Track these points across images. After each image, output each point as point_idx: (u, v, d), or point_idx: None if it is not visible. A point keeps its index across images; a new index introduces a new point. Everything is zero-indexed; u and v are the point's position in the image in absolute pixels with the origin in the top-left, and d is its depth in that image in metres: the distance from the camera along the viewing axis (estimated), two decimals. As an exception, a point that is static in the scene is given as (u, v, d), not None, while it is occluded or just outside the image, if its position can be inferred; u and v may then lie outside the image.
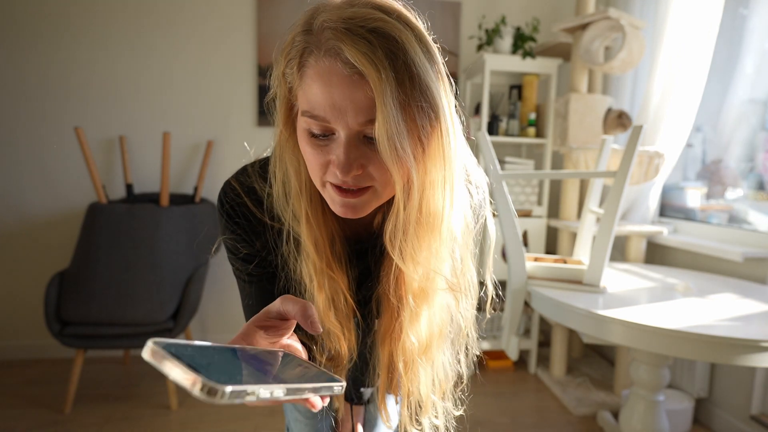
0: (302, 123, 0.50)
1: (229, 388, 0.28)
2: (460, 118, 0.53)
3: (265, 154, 0.65)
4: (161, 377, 2.07)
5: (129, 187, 2.18)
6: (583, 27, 1.98)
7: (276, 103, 0.54)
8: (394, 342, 0.62)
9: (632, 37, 1.82)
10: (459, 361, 0.67)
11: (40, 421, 1.73)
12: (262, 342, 0.42)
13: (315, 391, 0.37)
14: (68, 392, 1.79)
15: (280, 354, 0.41)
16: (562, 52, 2.25)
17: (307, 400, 0.39)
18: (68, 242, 2.21)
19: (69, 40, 2.17)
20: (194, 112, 2.31)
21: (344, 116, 0.46)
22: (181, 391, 1.98)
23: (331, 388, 0.39)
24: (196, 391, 0.28)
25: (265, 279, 0.64)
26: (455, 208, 0.53)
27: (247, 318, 0.66)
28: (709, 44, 1.71)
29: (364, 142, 0.48)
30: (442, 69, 0.50)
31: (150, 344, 0.30)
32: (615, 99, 2.19)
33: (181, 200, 2.19)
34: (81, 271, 1.77)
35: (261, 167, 0.63)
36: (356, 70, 0.44)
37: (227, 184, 0.62)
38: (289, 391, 0.34)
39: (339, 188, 0.50)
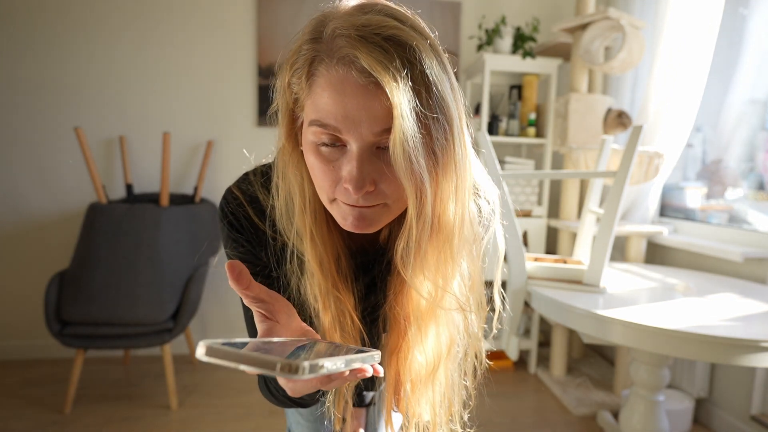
0: (309, 135, 0.48)
1: (306, 363, 0.30)
2: (470, 130, 0.52)
3: (265, 160, 0.63)
4: (161, 377, 2.07)
5: (129, 187, 2.18)
6: (583, 27, 1.98)
7: (278, 116, 0.52)
8: (401, 361, 0.60)
9: (632, 37, 1.82)
10: (466, 382, 0.65)
11: (40, 421, 1.73)
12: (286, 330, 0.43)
13: (363, 361, 0.39)
14: (68, 392, 1.79)
15: (308, 341, 0.43)
16: (562, 52, 2.25)
17: (361, 369, 0.41)
18: (68, 242, 2.21)
19: (69, 40, 2.17)
20: (194, 112, 2.31)
21: (358, 127, 0.44)
22: (181, 391, 1.98)
23: (372, 356, 0.40)
24: (278, 370, 0.29)
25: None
26: (465, 223, 0.51)
27: (249, 329, 0.64)
28: (709, 44, 1.71)
29: (376, 155, 0.46)
30: (454, 81, 0.49)
31: (203, 344, 0.31)
32: (615, 99, 2.19)
33: (181, 200, 2.19)
34: (81, 271, 1.76)
35: (263, 175, 0.61)
36: (372, 80, 0.43)
37: (228, 192, 0.60)
38: (346, 362, 0.36)
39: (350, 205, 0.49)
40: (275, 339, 0.40)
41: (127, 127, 2.26)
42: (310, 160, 0.49)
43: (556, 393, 2.02)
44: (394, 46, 0.43)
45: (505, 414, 1.86)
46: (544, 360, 2.33)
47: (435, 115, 0.45)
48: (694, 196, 2.00)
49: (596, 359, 2.37)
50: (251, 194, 0.59)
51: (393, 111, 0.42)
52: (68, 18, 2.17)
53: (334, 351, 0.39)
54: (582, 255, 1.62)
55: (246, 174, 0.62)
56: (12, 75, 2.16)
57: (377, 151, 0.46)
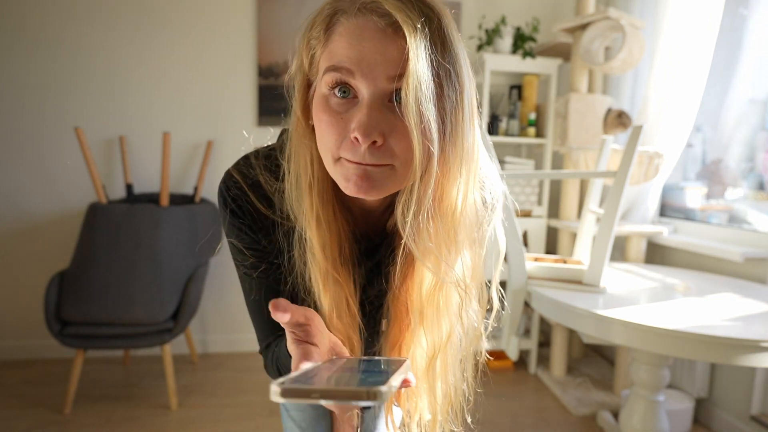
0: (322, 87, 0.47)
1: (384, 388, 0.31)
2: (479, 120, 0.52)
3: (267, 143, 0.62)
4: (161, 377, 2.07)
5: (129, 187, 2.18)
6: (583, 27, 1.98)
7: (294, 87, 0.52)
8: (403, 354, 0.60)
9: (632, 37, 1.82)
10: (466, 376, 0.64)
11: (40, 421, 1.73)
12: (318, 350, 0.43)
13: (402, 372, 0.40)
14: (68, 392, 1.79)
15: (341, 359, 0.44)
16: (562, 52, 2.25)
17: (407, 380, 0.42)
18: (68, 242, 2.21)
19: (69, 39, 2.17)
20: (194, 112, 2.31)
21: (372, 71, 0.44)
22: (181, 391, 1.98)
23: (408, 365, 0.42)
24: (363, 399, 0.31)
25: (272, 275, 0.61)
26: (469, 204, 0.51)
27: (252, 312, 0.63)
28: (709, 44, 1.71)
29: (388, 108, 0.45)
30: (467, 57, 0.49)
31: (276, 386, 0.32)
32: (615, 99, 2.19)
33: (181, 200, 2.19)
34: (81, 271, 1.76)
35: (266, 158, 0.59)
36: (391, 23, 0.44)
37: (228, 176, 0.58)
38: (394, 378, 0.37)
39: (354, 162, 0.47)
40: (320, 363, 0.41)
41: (127, 127, 2.26)
42: (319, 116, 0.48)
43: (556, 393, 2.02)
44: (416, 1, 0.44)
45: (505, 414, 1.86)
46: (544, 360, 2.33)
47: (448, 71, 0.45)
48: (694, 196, 2.00)
49: (596, 359, 2.37)
50: (253, 178, 0.57)
51: (409, 53, 0.42)
52: (68, 18, 2.16)
53: (375, 365, 0.40)
54: (582, 255, 1.62)
55: (246, 157, 0.60)
56: (12, 75, 2.16)
57: (389, 105, 0.46)
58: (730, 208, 1.90)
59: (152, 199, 2.16)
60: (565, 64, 2.43)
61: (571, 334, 2.32)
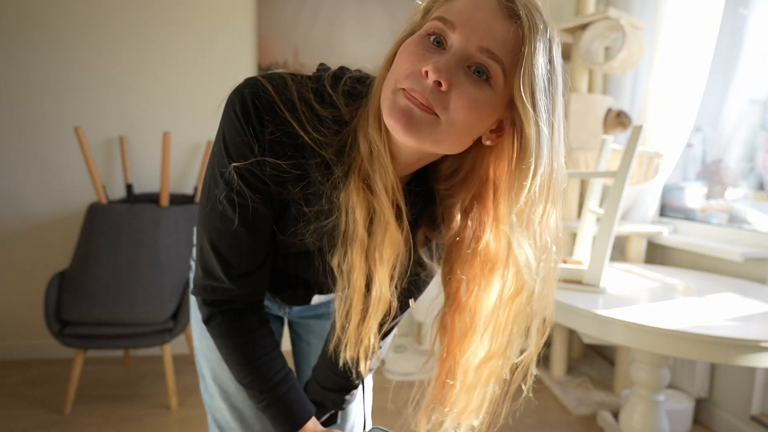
0: (421, 30, 0.49)
1: None
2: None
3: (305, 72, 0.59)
4: (161, 377, 2.07)
5: (129, 187, 2.18)
6: (583, 27, 1.98)
7: (396, 36, 0.53)
8: (459, 354, 0.63)
9: (632, 37, 1.82)
10: (505, 395, 0.64)
11: (40, 421, 1.73)
12: None
13: None
14: (68, 392, 1.79)
15: None
16: (563, 52, 2.25)
17: None
18: (68, 242, 2.21)
19: (69, 39, 2.17)
20: (194, 112, 2.31)
21: (471, 34, 0.46)
22: (181, 391, 1.98)
23: None
24: None
25: (263, 209, 0.57)
26: (550, 220, 0.53)
27: (228, 242, 0.58)
28: (709, 44, 1.71)
29: (464, 71, 0.47)
30: (564, 108, 0.51)
31: None
32: (615, 99, 2.19)
33: (181, 200, 2.19)
34: (81, 271, 1.76)
35: (315, 83, 0.56)
36: (508, 7, 0.46)
37: (257, 84, 0.53)
38: None
39: (409, 96, 0.47)
40: None
41: (127, 127, 2.26)
42: (404, 47, 0.49)
43: (556, 393, 2.02)
44: (537, 13, 0.48)
45: (505, 414, 1.86)
46: (544, 360, 2.33)
47: (551, 76, 0.48)
48: (694, 196, 2.00)
49: (596, 359, 2.37)
50: (287, 98, 0.53)
51: (525, 46, 0.45)
52: (68, 18, 2.16)
53: None
54: (582, 255, 1.62)
55: (282, 76, 0.55)
56: (12, 75, 2.15)
57: (467, 69, 0.47)
58: (730, 208, 1.90)
59: (152, 199, 2.15)
60: (565, 64, 2.43)
61: (571, 334, 2.32)
